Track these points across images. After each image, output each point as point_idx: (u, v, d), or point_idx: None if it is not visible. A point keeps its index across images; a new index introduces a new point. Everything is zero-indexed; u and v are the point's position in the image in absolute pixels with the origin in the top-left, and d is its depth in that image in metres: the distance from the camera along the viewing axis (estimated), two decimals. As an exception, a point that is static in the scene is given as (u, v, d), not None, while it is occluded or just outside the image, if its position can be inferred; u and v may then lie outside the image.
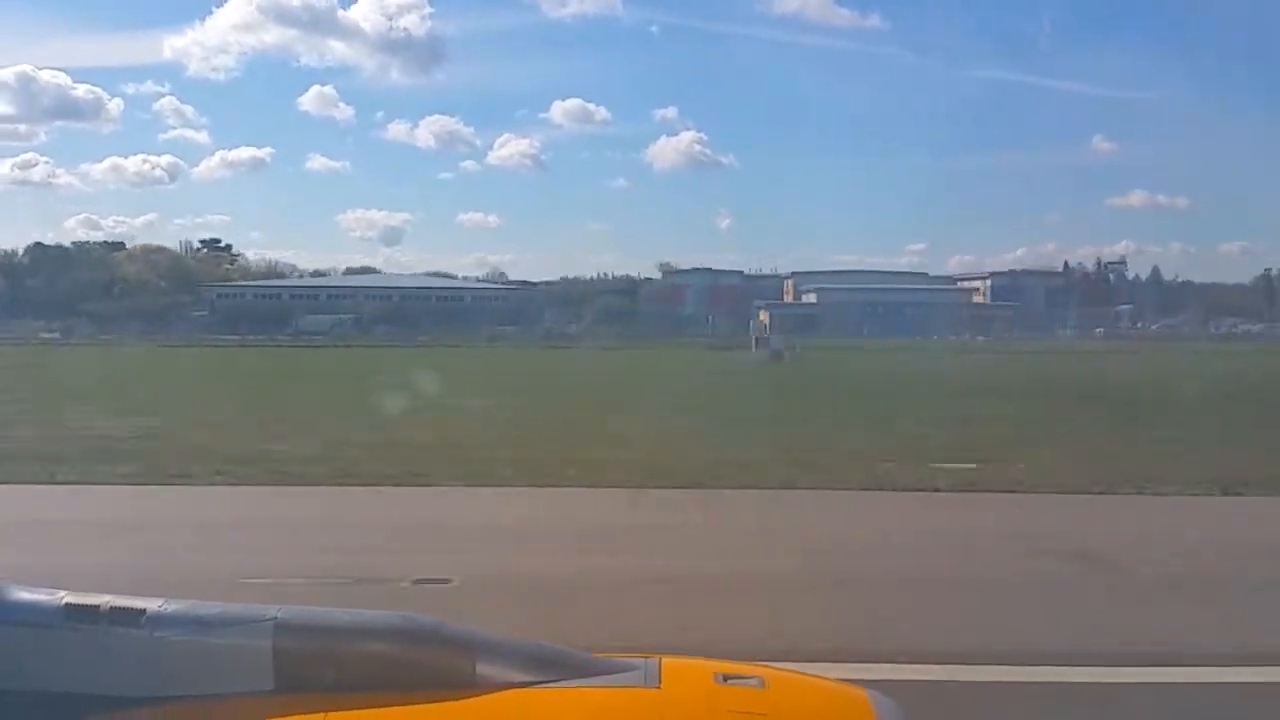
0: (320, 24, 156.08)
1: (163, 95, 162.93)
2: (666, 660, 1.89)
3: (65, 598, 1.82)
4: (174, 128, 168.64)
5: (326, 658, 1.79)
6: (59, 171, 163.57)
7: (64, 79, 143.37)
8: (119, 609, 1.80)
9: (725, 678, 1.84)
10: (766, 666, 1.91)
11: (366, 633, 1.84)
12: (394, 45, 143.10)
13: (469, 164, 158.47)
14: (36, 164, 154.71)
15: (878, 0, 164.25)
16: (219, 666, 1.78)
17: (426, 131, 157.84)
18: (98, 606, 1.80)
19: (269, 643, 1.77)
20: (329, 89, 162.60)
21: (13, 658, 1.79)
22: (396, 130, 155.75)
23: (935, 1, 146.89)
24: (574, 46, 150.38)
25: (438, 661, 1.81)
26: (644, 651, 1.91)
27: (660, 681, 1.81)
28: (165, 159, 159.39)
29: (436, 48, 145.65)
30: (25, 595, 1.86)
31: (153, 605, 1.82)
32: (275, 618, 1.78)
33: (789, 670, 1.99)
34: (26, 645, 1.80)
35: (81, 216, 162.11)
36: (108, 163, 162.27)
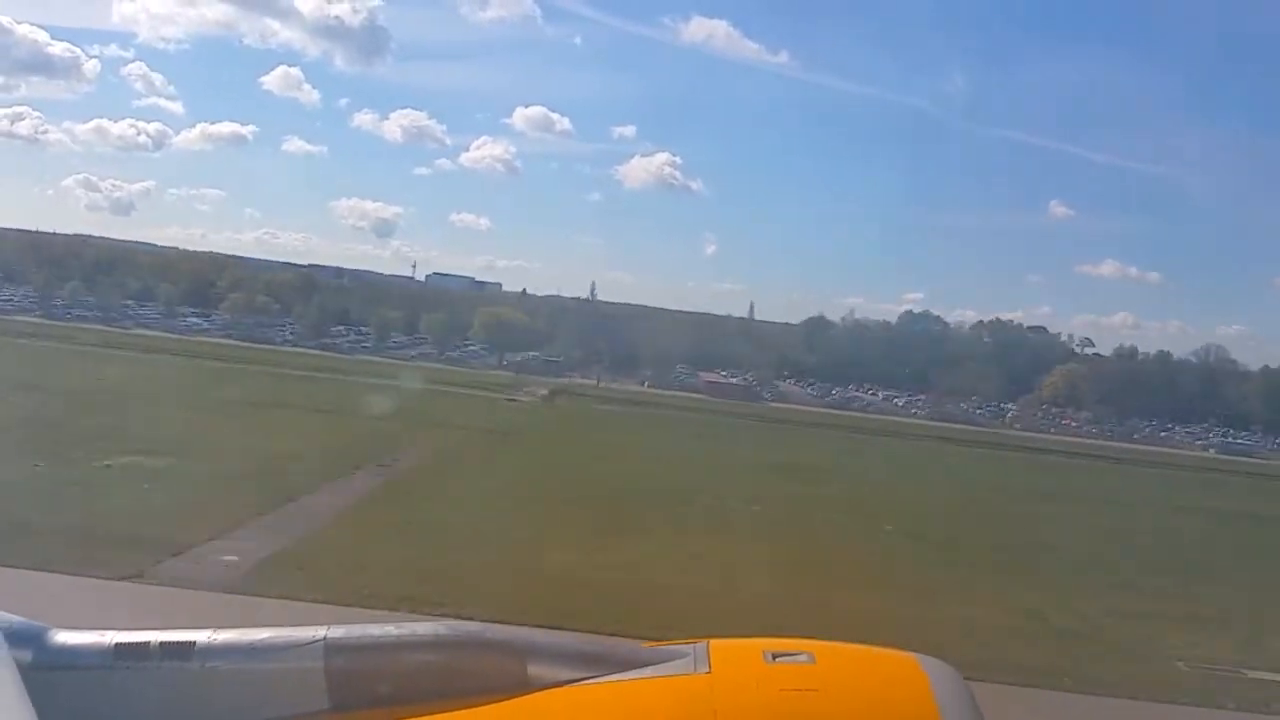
0: (259, 3, 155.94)
1: (129, 61, 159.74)
2: (715, 644, 1.89)
3: (115, 638, 1.84)
4: (144, 95, 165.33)
5: (379, 673, 1.80)
6: (48, 127, 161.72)
7: (42, 35, 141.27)
8: (169, 644, 1.81)
9: (775, 656, 1.83)
10: (815, 641, 1.92)
11: (414, 645, 1.85)
12: (331, 31, 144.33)
13: (443, 162, 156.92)
14: (26, 117, 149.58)
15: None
16: (274, 691, 1.78)
17: (396, 125, 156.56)
18: (148, 644, 1.81)
19: (321, 664, 1.77)
20: (295, 70, 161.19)
21: (66, 702, 1.80)
22: (364, 119, 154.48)
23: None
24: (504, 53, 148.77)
25: (488, 666, 1.82)
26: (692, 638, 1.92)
27: (710, 665, 1.81)
28: (153, 126, 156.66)
29: (378, 39, 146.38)
30: (74, 639, 1.86)
31: (202, 637, 1.83)
32: (325, 639, 1.79)
33: (837, 643, 1.99)
34: (78, 688, 1.80)
35: (80, 177, 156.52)
36: (93, 124, 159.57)
